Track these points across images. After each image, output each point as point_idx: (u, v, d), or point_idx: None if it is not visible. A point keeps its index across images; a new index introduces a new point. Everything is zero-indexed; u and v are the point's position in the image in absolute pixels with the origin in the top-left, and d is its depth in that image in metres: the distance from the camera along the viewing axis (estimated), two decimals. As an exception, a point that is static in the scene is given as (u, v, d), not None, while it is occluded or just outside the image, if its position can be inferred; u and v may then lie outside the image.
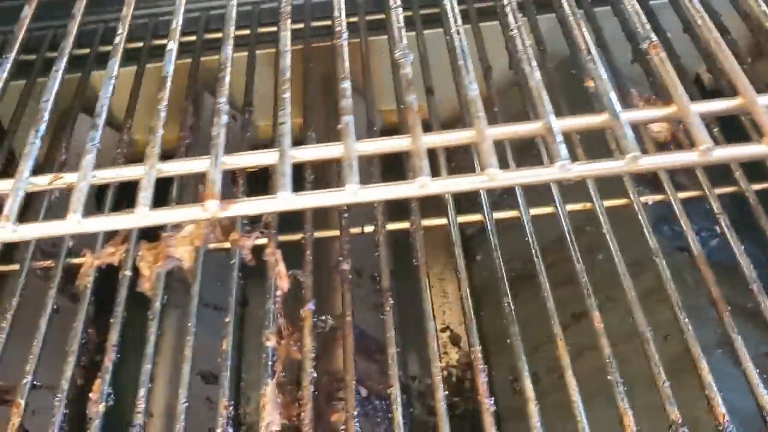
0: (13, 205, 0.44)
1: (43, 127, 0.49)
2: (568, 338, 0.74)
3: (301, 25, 1.06)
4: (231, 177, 0.90)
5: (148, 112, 0.97)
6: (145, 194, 0.44)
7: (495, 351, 0.96)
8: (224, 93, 0.49)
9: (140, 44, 1.08)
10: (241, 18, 1.09)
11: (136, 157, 0.97)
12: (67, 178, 0.46)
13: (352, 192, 0.45)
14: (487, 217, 0.83)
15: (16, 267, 0.85)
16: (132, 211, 0.44)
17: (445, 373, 1.08)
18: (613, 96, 0.47)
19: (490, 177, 0.44)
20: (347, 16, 1.03)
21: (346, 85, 0.50)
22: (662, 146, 0.86)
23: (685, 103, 0.45)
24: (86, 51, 1.07)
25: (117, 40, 0.56)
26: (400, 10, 0.55)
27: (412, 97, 0.47)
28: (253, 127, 0.97)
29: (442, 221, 0.84)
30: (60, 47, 0.56)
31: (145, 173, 0.45)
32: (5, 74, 0.57)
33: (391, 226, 0.84)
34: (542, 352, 0.86)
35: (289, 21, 0.55)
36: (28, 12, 0.59)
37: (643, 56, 0.96)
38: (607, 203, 0.82)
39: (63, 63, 0.54)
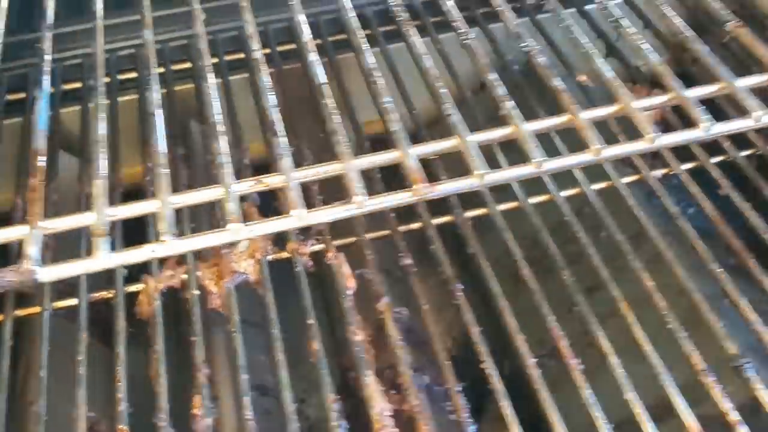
0: (236, 208, 0.47)
1: (225, 138, 0.52)
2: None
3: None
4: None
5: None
6: (359, 185, 0.48)
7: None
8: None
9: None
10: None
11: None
12: (267, 180, 0.49)
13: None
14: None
15: (72, 302, 0.84)
16: (350, 201, 0.48)
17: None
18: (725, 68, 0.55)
19: (595, 152, 0.51)
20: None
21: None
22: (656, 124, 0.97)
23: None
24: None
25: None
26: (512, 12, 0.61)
27: (559, 81, 0.54)
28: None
29: (483, 210, 0.91)
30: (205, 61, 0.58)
31: (350, 168, 0.49)
32: None
33: (436, 221, 0.90)
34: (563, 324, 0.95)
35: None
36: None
37: (616, 51, 1.08)
38: (626, 180, 0.92)
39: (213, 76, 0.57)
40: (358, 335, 0.78)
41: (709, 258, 0.83)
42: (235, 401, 0.88)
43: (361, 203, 0.47)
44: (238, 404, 0.85)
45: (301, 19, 0.61)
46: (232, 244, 0.87)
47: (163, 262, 0.87)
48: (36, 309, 0.82)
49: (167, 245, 0.46)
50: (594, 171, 0.97)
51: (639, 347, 0.77)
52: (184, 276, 0.85)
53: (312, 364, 0.78)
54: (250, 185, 0.50)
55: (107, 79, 1.05)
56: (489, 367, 0.75)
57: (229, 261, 0.84)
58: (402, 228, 0.90)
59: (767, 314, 0.82)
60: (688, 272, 0.87)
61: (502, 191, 1.00)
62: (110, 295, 0.84)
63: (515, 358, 0.79)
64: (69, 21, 1.10)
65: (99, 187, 0.49)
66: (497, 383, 0.74)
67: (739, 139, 0.96)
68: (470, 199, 1.00)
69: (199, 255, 0.88)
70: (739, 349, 0.82)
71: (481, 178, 0.52)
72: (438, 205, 0.94)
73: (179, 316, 0.94)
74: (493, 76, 0.56)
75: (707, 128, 0.51)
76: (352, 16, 0.62)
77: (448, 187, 0.53)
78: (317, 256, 0.88)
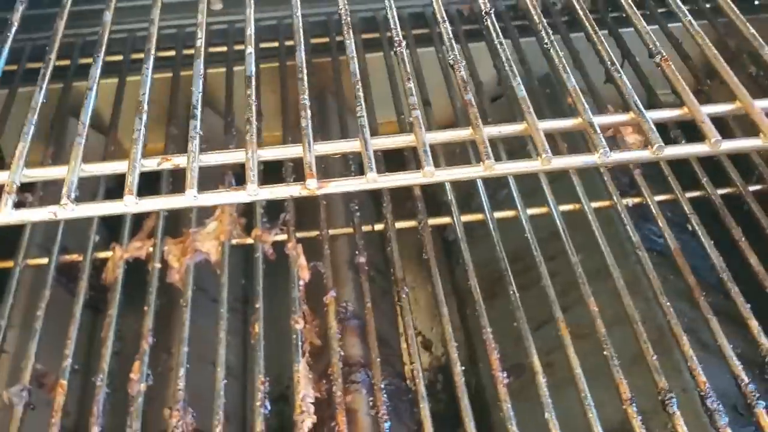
0: (133, 181, 0.50)
1: (145, 117, 0.55)
2: (547, 333, 0.83)
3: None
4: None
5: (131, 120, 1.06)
6: (253, 174, 0.51)
7: (480, 345, 1.04)
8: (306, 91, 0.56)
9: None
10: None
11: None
12: (176, 160, 0.53)
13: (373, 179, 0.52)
14: (488, 215, 0.92)
15: (43, 261, 0.89)
16: (243, 188, 0.51)
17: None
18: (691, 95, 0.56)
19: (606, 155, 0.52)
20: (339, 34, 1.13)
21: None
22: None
23: (696, 105, 0.55)
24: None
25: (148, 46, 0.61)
26: (448, 24, 0.63)
27: (470, 96, 0.55)
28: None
29: (446, 220, 0.93)
30: (146, 49, 0.62)
31: (249, 157, 0.52)
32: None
33: (400, 225, 0.92)
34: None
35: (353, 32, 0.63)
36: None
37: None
38: (595, 204, 0.92)
39: (150, 63, 0.61)
40: (299, 323, 0.81)
41: (659, 291, 0.83)
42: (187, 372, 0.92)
43: (254, 192, 0.50)
44: (189, 375, 0.89)
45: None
46: (201, 224, 0.91)
47: (135, 233, 0.92)
48: (9, 263, 0.87)
49: (67, 209, 0.50)
50: (566, 194, 0.98)
51: (571, 371, 0.78)
52: (152, 249, 0.89)
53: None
54: (157, 162, 0.53)
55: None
56: (416, 368, 0.77)
57: (195, 240, 0.88)
58: (365, 228, 0.92)
59: (710, 350, 0.82)
60: (643, 303, 0.88)
61: (472, 203, 1.02)
62: (80, 259, 0.89)
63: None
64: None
65: (19, 150, 0.53)
66: (421, 386, 0.76)
67: (720, 177, 0.95)
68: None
69: (170, 231, 0.92)
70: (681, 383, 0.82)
71: (489, 168, 0.53)
72: (402, 209, 0.97)
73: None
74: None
75: (603, 154, 0.52)
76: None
77: (454, 172, 0.54)
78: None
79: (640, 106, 0.56)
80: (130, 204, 0.49)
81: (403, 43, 0.61)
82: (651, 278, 0.84)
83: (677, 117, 0.58)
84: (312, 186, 0.50)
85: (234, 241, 0.90)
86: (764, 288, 0.82)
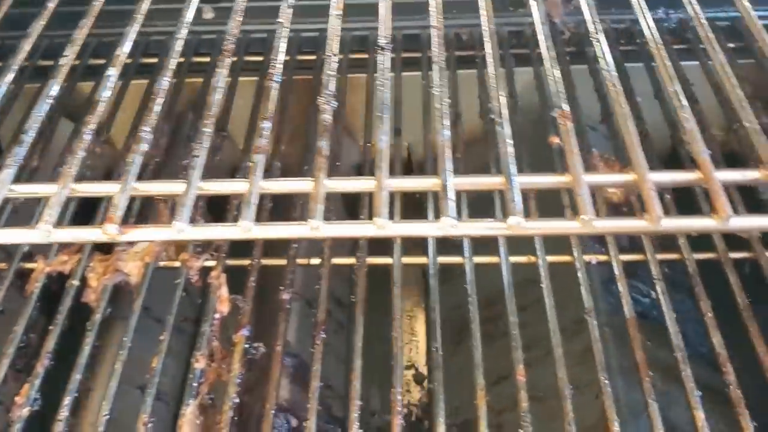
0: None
1: (31, 134, 0.51)
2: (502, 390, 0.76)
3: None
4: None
5: (127, 124, 1.04)
6: (50, 213, 0.46)
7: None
8: (211, 117, 0.51)
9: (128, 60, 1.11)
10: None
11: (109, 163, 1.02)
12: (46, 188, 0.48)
13: (315, 227, 0.46)
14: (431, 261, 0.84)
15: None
16: (37, 226, 0.46)
17: (405, 411, 1.09)
18: (579, 158, 0.48)
19: (450, 225, 0.45)
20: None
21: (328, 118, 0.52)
22: (615, 207, 0.87)
23: (643, 171, 0.47)
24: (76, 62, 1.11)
25: (118, 52, 0.57)
26: (334, 58, 0.57)
27: (323, 143, 0.49)
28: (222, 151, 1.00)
29: (387, 260, 0.86)
30: (61, 58, 0.58)
31: (120, 191, 0.47)
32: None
33: (336, 261, 0.86)
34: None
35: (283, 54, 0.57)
36: (40, 23, 0.61)
37: (611, 118, 0.98)
38: (552, 258, 0.83)
39: (62, 74, 0.56)
40: (199, 363, 0.75)
41: (601, 365, 0.74)
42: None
43: (47, 232, 0.45)
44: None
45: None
46: (130, 243, 0.87)
47: (64, 246, 0.89)
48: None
49: None
50: (558, 242, 0.89)
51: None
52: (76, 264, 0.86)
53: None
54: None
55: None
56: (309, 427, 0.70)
57: (118, 259, 0.84)
58: (301, 261, 0.86)
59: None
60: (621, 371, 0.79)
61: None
62: (5, 267, 0.86)
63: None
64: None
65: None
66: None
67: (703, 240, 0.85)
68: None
69: (107, 246, 0.89)
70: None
71: (381, 227, 0.46)
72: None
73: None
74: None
75: (445, 223, 0.44)
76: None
77: (339, 229, 0.48)
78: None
79: (512, 172, 0.47)
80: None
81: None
82: (594, 350, 0.75)
83: (618, 182, 0.49)
84: (111, 232, 0.45)
85: (161, 263, 0.86)
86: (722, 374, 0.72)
